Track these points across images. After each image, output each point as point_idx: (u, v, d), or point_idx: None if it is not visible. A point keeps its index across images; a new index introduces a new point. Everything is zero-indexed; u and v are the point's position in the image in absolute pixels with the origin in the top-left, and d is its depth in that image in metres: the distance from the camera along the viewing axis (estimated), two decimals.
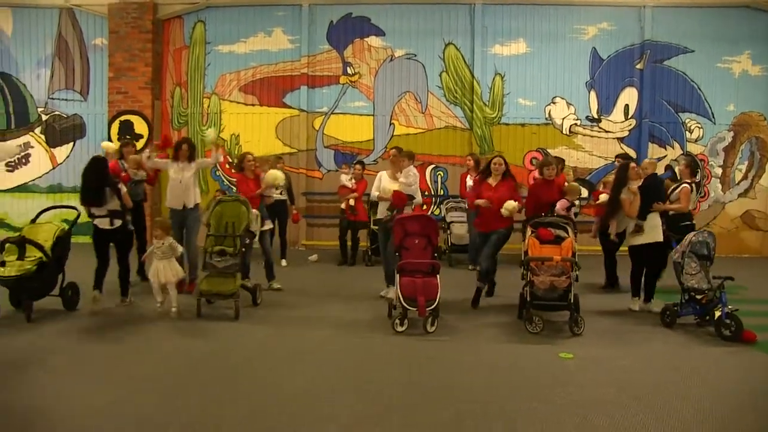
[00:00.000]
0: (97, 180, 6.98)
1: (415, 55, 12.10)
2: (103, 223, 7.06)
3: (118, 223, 7.09)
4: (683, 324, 6.71)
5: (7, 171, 12.70)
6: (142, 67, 11.89)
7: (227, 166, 12.23)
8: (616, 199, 7.52)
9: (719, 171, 12.15)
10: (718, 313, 6.37)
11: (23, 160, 12.68)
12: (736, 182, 12.18)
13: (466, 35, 12.01)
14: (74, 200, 11.53)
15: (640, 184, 7.38)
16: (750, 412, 4.43)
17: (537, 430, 4.06)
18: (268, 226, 8.37)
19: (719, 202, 12.17)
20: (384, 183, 7.74)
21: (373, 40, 12.12)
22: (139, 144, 11.68)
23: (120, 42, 11.86)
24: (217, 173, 12.27)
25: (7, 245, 6.67)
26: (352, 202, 10.12)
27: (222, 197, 7.88)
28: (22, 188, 12.67)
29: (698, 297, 6.59)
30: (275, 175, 8.30)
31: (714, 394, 4.75)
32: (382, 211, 7.78)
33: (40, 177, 12.64)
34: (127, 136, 11.38)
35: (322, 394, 4.65)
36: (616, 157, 9.03)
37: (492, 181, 7.43)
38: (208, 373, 5.09)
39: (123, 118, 11.95)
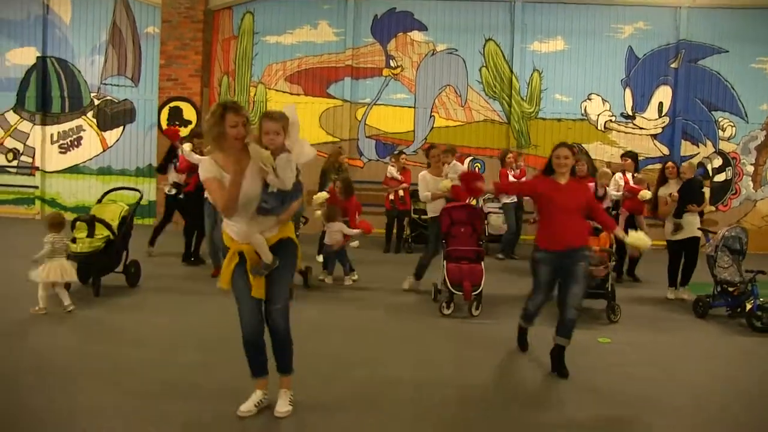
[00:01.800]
0: (164, 157, 9.20)
1: (456, 50, 12.49)
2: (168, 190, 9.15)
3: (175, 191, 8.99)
4: (714, 315, 7.02)
5: (60, 153, 13.24)
6: (192, 55, 12.35)
7: None
8: (655, 195, 8.09)
9: (751, 169, 12.44)
10: (749, 306, 6.64)
11: (75, 143, 13.21)
12: None
13: (506, 32, 12.37)
14: (123, 182, 12.25)
15: (679, 185, 7.83)
16: None
17: (579, 398, 4.45)
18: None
19: (750, 200, 12.47)
20: (432, 183, 7.52)
21: (416, 35, 12.52)
22: (188, 129, 12.18)
23: (172, 31, 12.33)
24: None
25: (77, 223, 7.05)
26: (401, 192, 10.54)
27: None
28: (74, 170, 13.20)
29: (730, 289, 6.89)
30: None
31: (746, 377, 5.09)
32: (434, 210, 7.55)
33: (90, 159, 13.17)
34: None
35: (384, 362, 5.06)
36: (622, 156, 9.39)
37: (561, 179, 5.15)
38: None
39: (173, 104, 12.41)
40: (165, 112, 12.46)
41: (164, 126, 12.36)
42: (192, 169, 8.33)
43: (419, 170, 11.51)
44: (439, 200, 7.53)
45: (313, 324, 6.14)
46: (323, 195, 8.42)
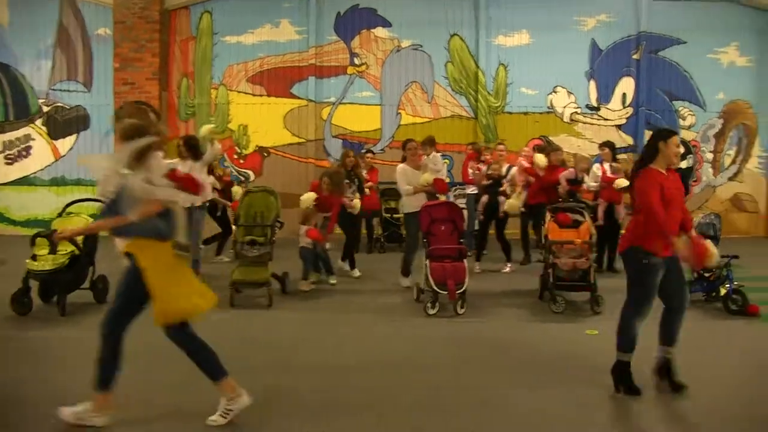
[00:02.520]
0: None
1: (421, 46, 12.37)
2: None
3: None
4: (692, 300, 7.09)
5: (6, 164, 12.49)
6: (149, 57, 11.82)
7: (235, 156, 12.30)
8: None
9: (710, 156, 12.78)
10: (724, 290, 6.82)
11: (23, 153, 12.48)
12: (726, 167, 12.84)
13: (471, 26, 12.32)
14: (79, 193, 11.63)
15: None
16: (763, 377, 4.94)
17: (579, 393, 4.45)
18: None
19: (710, 186, 12.81)
20: (412, 176, 7.52)
21: (380, 31, 12.33)
22: None
23: (126, 32, 11.76)
24: (225, 163, 12.30)
25: (37, 239, 6.65)
26: (367, 191, 10.32)
27: (250, 188, 8.09)
28: (23, 181, 12.48)
29: (706, 275, 7.06)
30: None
31: (730, 363, 5.20)
32: (412, 205, 7.54)
33: (42, 170, 12.47)
34: None
35: (379, 367, 4.94)
36: (600, 145, 9.50)
37: (664, 170, 4.45)
38: (256, 358, 5.10)
39: None
40: None
41: None
42: None
43: (387, 169, 11.54)
44: (419, 195, 7.48)
45: (298, 332, 5.99)
46: (311, 195, 8.14)
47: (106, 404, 3.78)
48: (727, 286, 6.79)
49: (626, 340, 4.46)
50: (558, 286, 6.82)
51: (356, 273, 8.64)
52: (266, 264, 7.11)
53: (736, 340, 5.87)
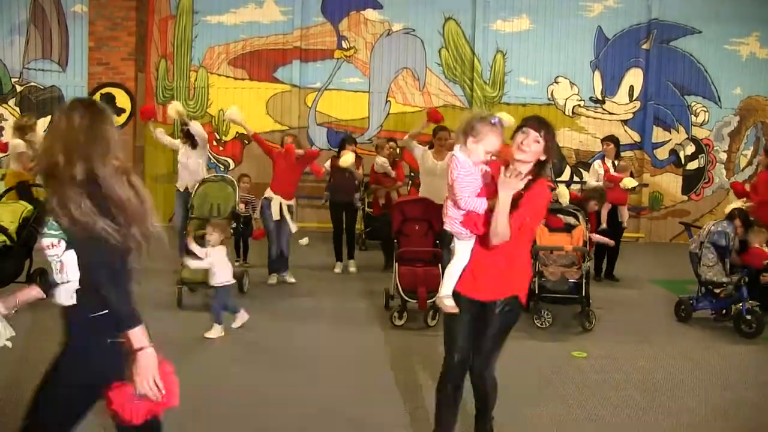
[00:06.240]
0: None
1: (414, 30, 11.58)
2: None
3: None
4: (699, 318, 6.40)
5: None
6: (125, 36, 11.21)
7: (214, 143, 11.68)
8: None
9: (724, 156, 11.88)
10: (736, 308, 6.06)
11: None
12: (741, 168, 11.90)
13: (467, 10, 11.50)
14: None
15: None
16: None
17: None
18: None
19: (723, 188, 11.86)
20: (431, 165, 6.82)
21: (370, 14, 11.57)
22: (122, 118, 11.17)
23: (101, 9, 11.16)
24: None
25: None
26: None
27: (207, 176, 7.45)
28: None
29: (716, 290, 6.27)
30: None
31: (738, 398, 4.49)
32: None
33: None
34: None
35: (322, 391, 4.34)
36: (603, 140, 8.68)
37: None
38: (192, 374, 4.48)
39: (104, 90, 11.28)
40: (96, 99, 11.30)
41: None
42: None
43: (373, 160, 10.81)
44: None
45: (245, 343, 5.34)
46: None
47: None
48: (740, 305, 5.99)
49: None
50: (543, 297, 6.12)
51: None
52: None
53: (751, 371, 5.14)
